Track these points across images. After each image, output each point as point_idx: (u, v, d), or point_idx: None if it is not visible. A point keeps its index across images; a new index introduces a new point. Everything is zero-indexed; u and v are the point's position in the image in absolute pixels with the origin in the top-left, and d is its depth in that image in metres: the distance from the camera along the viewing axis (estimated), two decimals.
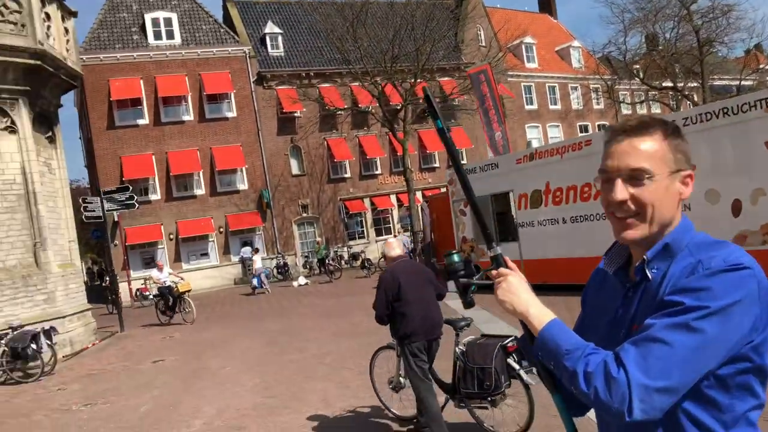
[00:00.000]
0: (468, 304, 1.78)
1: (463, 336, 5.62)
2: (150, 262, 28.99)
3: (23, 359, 10.96)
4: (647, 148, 1.42)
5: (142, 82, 30.21)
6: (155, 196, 29.98)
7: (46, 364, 11.26)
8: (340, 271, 26.63)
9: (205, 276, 29.51)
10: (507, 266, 1.61)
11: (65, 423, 7.90)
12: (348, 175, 34.52)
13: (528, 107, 42.01)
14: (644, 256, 1.45)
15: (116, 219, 28.13)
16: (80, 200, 17.52)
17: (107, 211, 17.25)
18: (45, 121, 15.25)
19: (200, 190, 30.78)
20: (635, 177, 1.41)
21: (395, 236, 31.06)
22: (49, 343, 11.32)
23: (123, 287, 26.93)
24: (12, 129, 13.88)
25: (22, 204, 13.75)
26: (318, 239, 31.63)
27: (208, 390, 8.76)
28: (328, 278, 25.40)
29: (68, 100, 69.36)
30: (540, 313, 1.51)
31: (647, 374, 1.26)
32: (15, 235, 13.54)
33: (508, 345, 5.29)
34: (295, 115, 32.99)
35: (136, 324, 18.20)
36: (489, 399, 5.27)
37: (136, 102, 30.28)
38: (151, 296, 25.58)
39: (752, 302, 1.29)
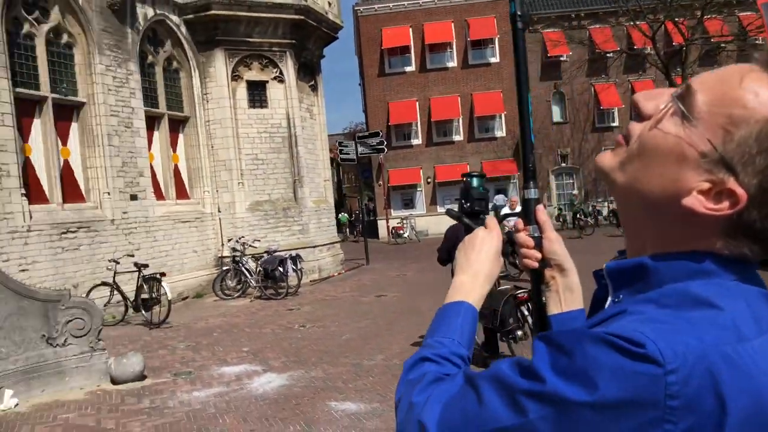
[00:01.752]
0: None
1: (500, 284, 6.98)
2: (408, 203, 30.86)
3: (272, 279, 12.76)
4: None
5: (411, 30, 31.60)
6: (417, 140, 31.58)
7: (291, 286, 12.96)
8: (594, 228, 25.26)
9: None
10: (536, 215, 1.21)
11: (282, 338, 9.09)
12: (615, 123, 32.13)
13: None
14: (604, 266, 0.92)
15: (381, 161, 30.43)
16: (336, 143, 19.32)
17: (360, 154, 18.75)
18: (308, 71, 16.99)
19: (458, 136, 31.54)
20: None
21: None
22: (294, 268, 12.96)
23: (382, 225, 29.35)
24: (280, 78, 15.77)
25: (286, 145, 15.68)
26: (575, 192, 30.29)
27: (405, 329, 9.26)
28: (578, 234, 24.34)
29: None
30: (461, 285, 1.15)
31: (440, 420, 0.85)
32: (279, 173, 15.56)
33: (519, 295, 6.61)
34: (561, 59, 31.53)
35: (384, 259, 19.75)
36: (510, 336, 6.58)
37: (405, 50, 31.84)
38: (405, 234, 27.42)
39: (626, 420, 0.71)
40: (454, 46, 31.62)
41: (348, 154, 18.58)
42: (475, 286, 1.15)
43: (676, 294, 0.79)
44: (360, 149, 18.60)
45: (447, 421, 0.84)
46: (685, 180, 0.81)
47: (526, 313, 6.47)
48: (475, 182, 1.42)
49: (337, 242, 17.18)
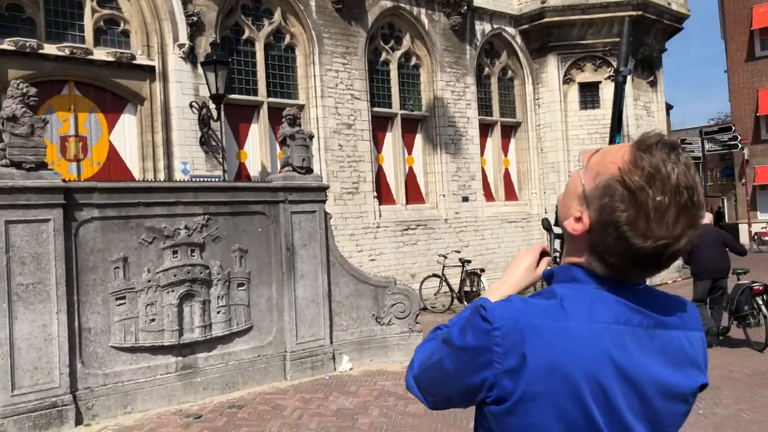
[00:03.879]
0: None
1: (741, 279, 8.39)
2: None
3: None
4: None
5: None
6: None
7: None
8: None
9: None
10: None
11: None
12: None
13: None
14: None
15: (746, 157, 26.85)
16: (678, 140, 17.90)
17: (707, 152, 17.09)
18: (647, 67, 16.22)
19: None
20: None
21: None
22: None
23: (743, 229, 25.93)
24: (614, 77, 15.41)
25: None
26: None
27: (729, 346, 8.46)
28: None
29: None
30: (491, 287, 1.47)
31: (419, 360, 1.30)
32: None
33: (755, 287, 8.01)
34: None
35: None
36: (745, 321, 8.12)
37: None
38: None
39: (478, 358, 1.16)
40: None
41: (692, 151, 17.12)
42: (499, 288, 1.45)
43: (548, 290, 1.20)
44: (707, 146, 16.96)
45: (419, 360, 1.30)
46: (572, 209, 1.20)
47: (761, 302, 7.91)
48: None
49: None
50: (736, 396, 6.29)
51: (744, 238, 26.11)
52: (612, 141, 1.69)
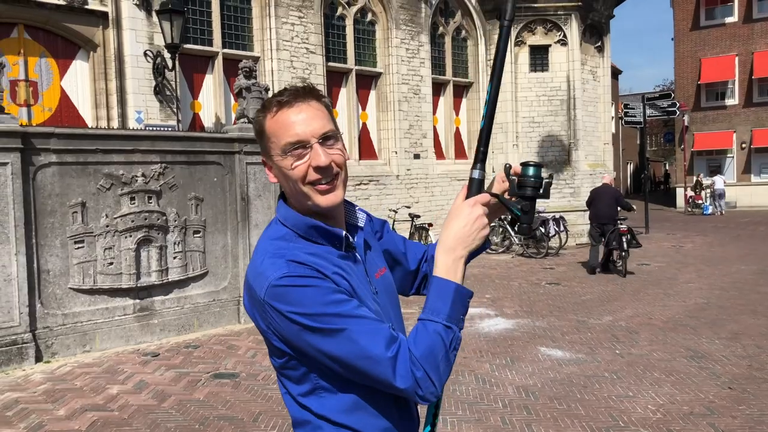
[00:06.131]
0: (519, 229, 1.51)
1: (621, 225, 10.96)
2: (715, 171, 27.93)
3: (533, 239, 13.39)
4: (325, 111, 1.37)
5: None
6: (732, 101, 28.18)
7: (552, 247, 13.44)
8: None
9: None
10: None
11: (524, 292, 9.82)
12: None
13: None
14: (359, 224, 1.51)
15: (686, 123, 28.02)
16: (622, 105, 18.63)
17: (648, 117, 17.85)
18: (595, 32, 16.72)
19: None
20: (331, 137, 1.36)
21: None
22: (557, 229, 13.38)
23: (680, 193, 27.25)
24: (563, 42, 15.90)
25: (564, 108, 15.87)
26: None
27: (648, 297, 9.21)
28: None
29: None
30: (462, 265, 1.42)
31: None
32: (554, 135, 15.88)
33: (621, 229, 10.77)
34: None
35: (669, 229, 18.69)
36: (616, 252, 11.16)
37: None
38: (703, 204, 25.12)
39: None
40: None
41: (634, 116, 17.86)
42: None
43: None
44: (648, 111, 17.72)
45: None
46: None
47: (624, 240, 10.75)
48: (530, 171, 1.51)
49: None
50: (651, 339, 6.99)
51: (680, 202, 27.48)
52: (491, 94, 1.49)
